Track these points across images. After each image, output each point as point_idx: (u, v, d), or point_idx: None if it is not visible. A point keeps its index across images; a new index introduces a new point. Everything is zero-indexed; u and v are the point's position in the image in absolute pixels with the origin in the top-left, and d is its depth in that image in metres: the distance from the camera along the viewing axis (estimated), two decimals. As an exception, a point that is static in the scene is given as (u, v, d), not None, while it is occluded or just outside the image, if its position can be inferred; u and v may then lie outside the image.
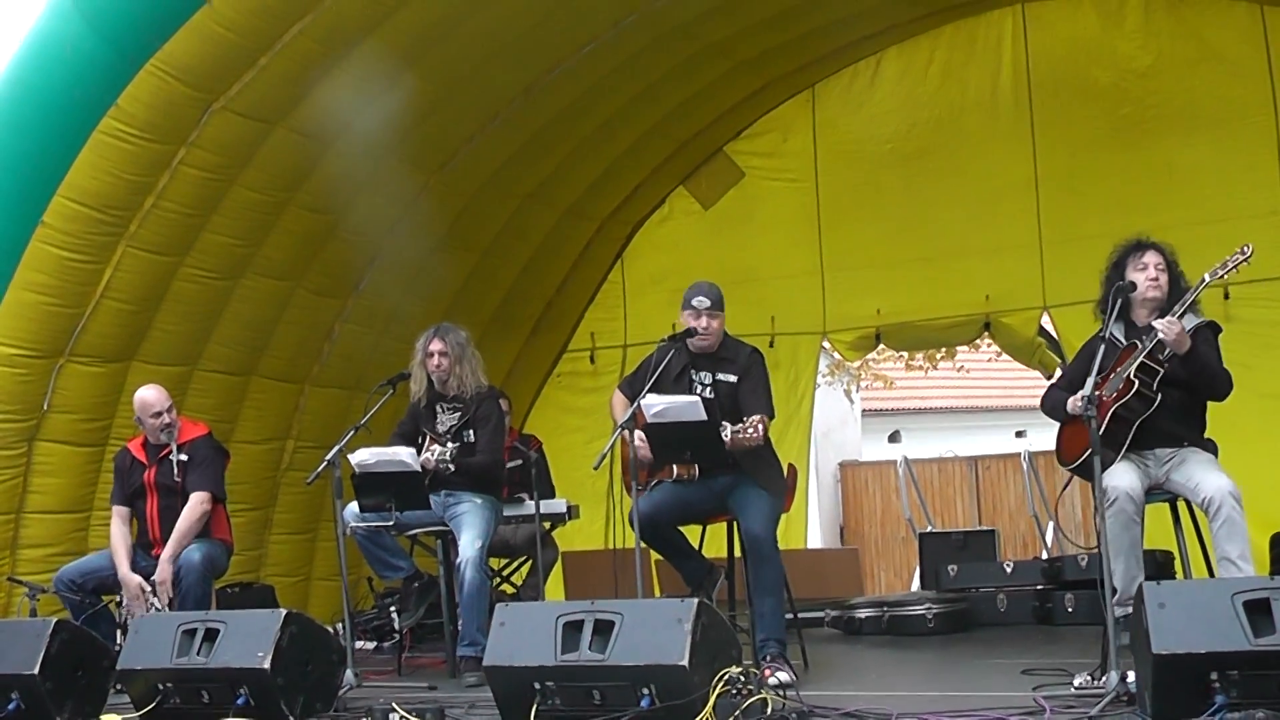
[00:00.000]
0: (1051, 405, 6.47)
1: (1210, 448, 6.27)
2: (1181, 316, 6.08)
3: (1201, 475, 6.06)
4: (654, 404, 6.53)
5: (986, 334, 10.79)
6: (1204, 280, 6.04)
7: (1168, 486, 6.21)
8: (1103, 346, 5.93)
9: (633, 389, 6.84)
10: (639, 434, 6.60)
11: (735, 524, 6.83)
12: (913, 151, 10.79)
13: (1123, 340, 6.26)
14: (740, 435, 6.48)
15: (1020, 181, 10.41)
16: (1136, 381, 6.06)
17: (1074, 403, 6.13)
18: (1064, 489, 7.21)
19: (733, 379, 6.82)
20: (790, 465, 7.09)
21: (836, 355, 11.87)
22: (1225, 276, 6.06)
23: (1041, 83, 10.42)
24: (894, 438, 10.90)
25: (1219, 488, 5.95)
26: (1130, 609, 5.68)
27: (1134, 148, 10.12)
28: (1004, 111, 10.54)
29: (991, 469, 11.68)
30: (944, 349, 14.55)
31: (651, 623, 5.33)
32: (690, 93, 10.37)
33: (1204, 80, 9.99)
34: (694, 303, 6.87)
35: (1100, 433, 5.88)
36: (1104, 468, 5.94)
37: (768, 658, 6.53)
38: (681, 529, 6.89)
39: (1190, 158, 9.96)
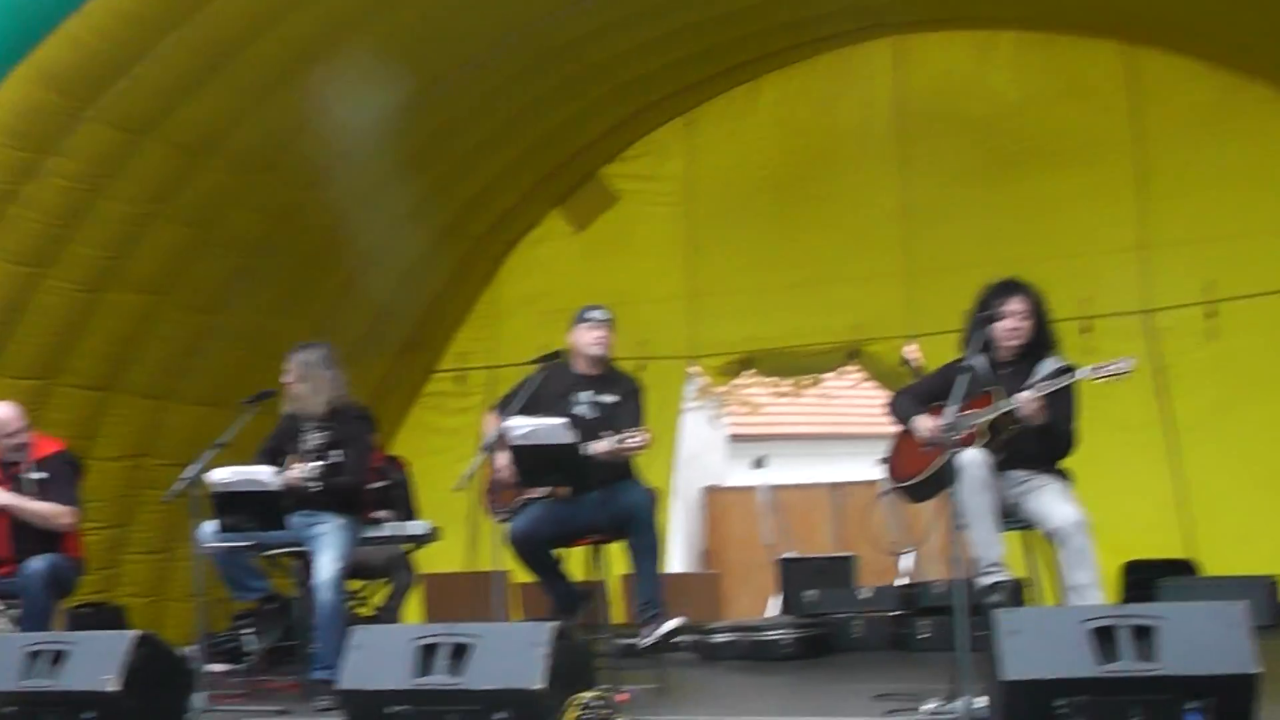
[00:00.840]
0: (902, 412, 6.54)
1: (1063, 476, 6.35)
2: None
3: (1051, 506, 6.14)
4: (520, 426, 6.53)
5: (853, 361, 10.91)
6: (1073, 373, 6.11)
7: (1019, 514, 6.27)
8: (963, 377, 6.01)
9: (506, 409, 6.84)
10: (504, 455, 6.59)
11: (599, 549, 6.87)
12: (787, 178, 10.90)
13: (985, 374, 6.32)
14: (625, 443, 6.54)
15: (890, 211, 10.57)
16: (989, 434, 6.16)
17: (932, 428, 6.21)
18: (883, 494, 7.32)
19: (614, 399, 6.91)
20: (652, 489, 7.10)
21: (704, 380, 11.78)
22: (1102, 376, 6.05)
23: (914, 114, 10.58)
24: (759, 463, 11.00)
25: (1067, 518, 6.04)
26: (991, 576, 5.97)
27: (1003, 180, 10.32)
28: (877, 141, 10.68)
29: (854, 495, 11.73)
30: (812, 376, 14.45)
31: (508, 646, 5.33)
32: (568, 114, 10.40)
33: (1070, 115, 10.24)
34: (591, 315, 7.01)
35: (932, 472, 6.12)
36: (919, 499, 6.37)
37: (651, 619, 6.69)
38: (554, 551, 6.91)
39: (1056, 191, 10.18)
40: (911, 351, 10.28)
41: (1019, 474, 6.25)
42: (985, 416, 6.17)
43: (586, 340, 7.01)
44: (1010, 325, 6.33)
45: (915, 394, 6.62)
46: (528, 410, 6.72)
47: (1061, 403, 6.22)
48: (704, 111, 11.25)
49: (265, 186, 9.07)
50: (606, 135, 11.02)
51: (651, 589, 6.81)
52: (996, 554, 6.08)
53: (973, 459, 6.00)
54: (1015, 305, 6.35)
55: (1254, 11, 8.78)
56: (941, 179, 10.45)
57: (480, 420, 10.15)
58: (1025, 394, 6.08)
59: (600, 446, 6.59)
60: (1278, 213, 9.68)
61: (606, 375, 7.01)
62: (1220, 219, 9.78)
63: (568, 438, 6.51)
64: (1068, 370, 6.26)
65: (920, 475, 6.38)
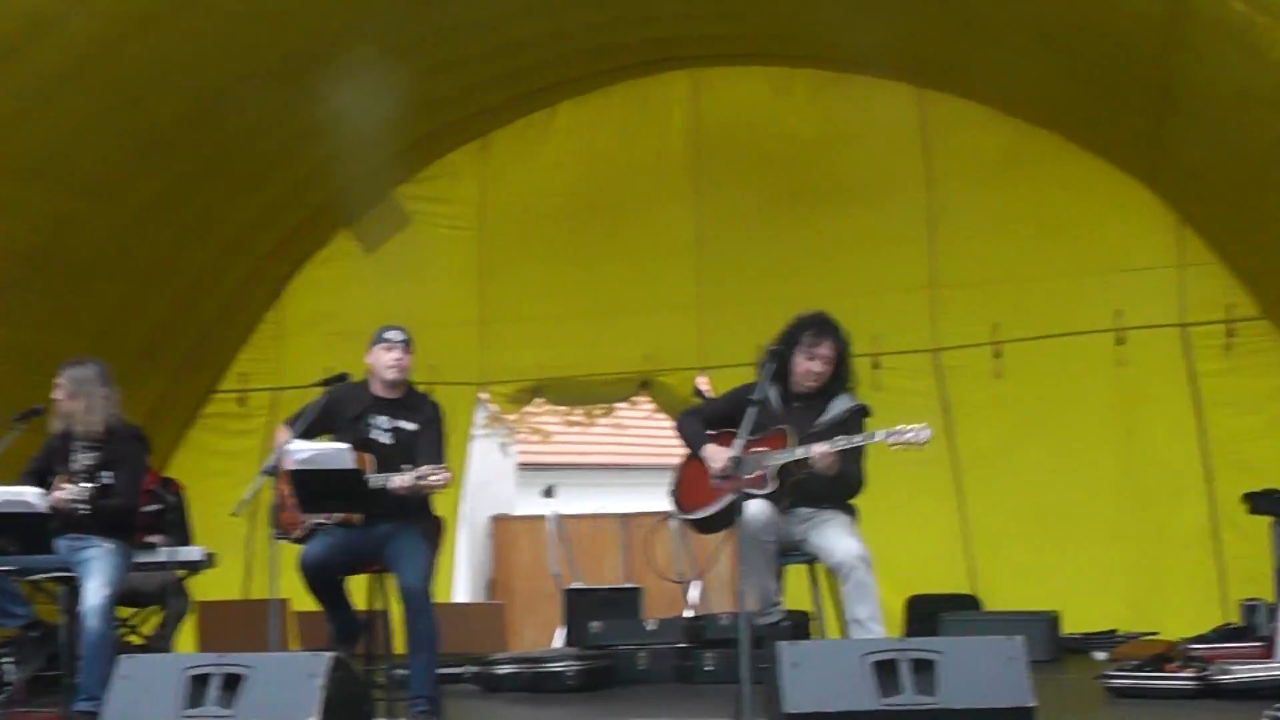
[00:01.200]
0: (691, 436, 6.56)
1: (849, 510, 6.45)
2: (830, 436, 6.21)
3: (834, 540, 6.23)
4: (300, 450, 6.41)
5: (644, 392, 10.95)
6: (872, 435, 6.14)
7: (805, 548, 6.36)
8: (753, 409, 6.04)
9: (294, 429, 6.71)
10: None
11: (382, 576, 6.78)
12: (582, 206, 10.89)
13: (777, 406, 6.40)
14: (424, 481, 6.41)
15: (684, 242, 10.65)
16: (778, 478, 6.24)
17: (721, 463, 6.20)
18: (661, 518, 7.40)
19: (413, 427, 6.78)
20: (438, 518, 7.04)
21: (494, 408, 11.87)
22: (895, 442, 6.08)
23: (711, 147, 10.67)
24: (548, 492, 10.98)
25: (849, 552, 6.15)
26: (771, 617, 6.18)
27: (797, 216, 10.44)
28: (673, 172, 10.76)
29: (643, 526, 11.75)
30: (603, 405, 14.46)
31: (283, 677, 5.24)
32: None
33: (863, 155, 10.38)
34: (388, 335, 6.86)
35: (720, 508, 6.21)
36: (706, 531, 6.46)
37: (418, 716, 6.50)
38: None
39: (849, 229, 10.33)
40: (704, 383, 10.49)
41: (805, 510, 6.36)
42: (775, 460, 6.23)
43: (384, 361, 6.84)
44: (816, 369, 6.41)
45: (704, 416, 6.65)
46: (321, 431, 6.61)
47: (851, 461, 6.31)
48: (499, 136, 11.19)
49: (36, 195, 8.73)
50: (401, 154, 10.86)
51: (424, 683, 6.61)
52: (774, 599, 6.28)
53: (756, 515, 6.06)
54: (825, 350, 6.42)
55: (1039, 64, 9.02)
56: (736, 213, 10.55)
57: (262, 443, 10.18)
58: (821, 448, 6.13)
59: (399, 482, 6.45)
60: (1060, 258, 9.97)
61: (405, 400, 6.87)
62: (1006, 262, 10.02)
63: (349, 463, 6.41)
64: (861, 411, 6.40)
65: (707, 511, 6.41)
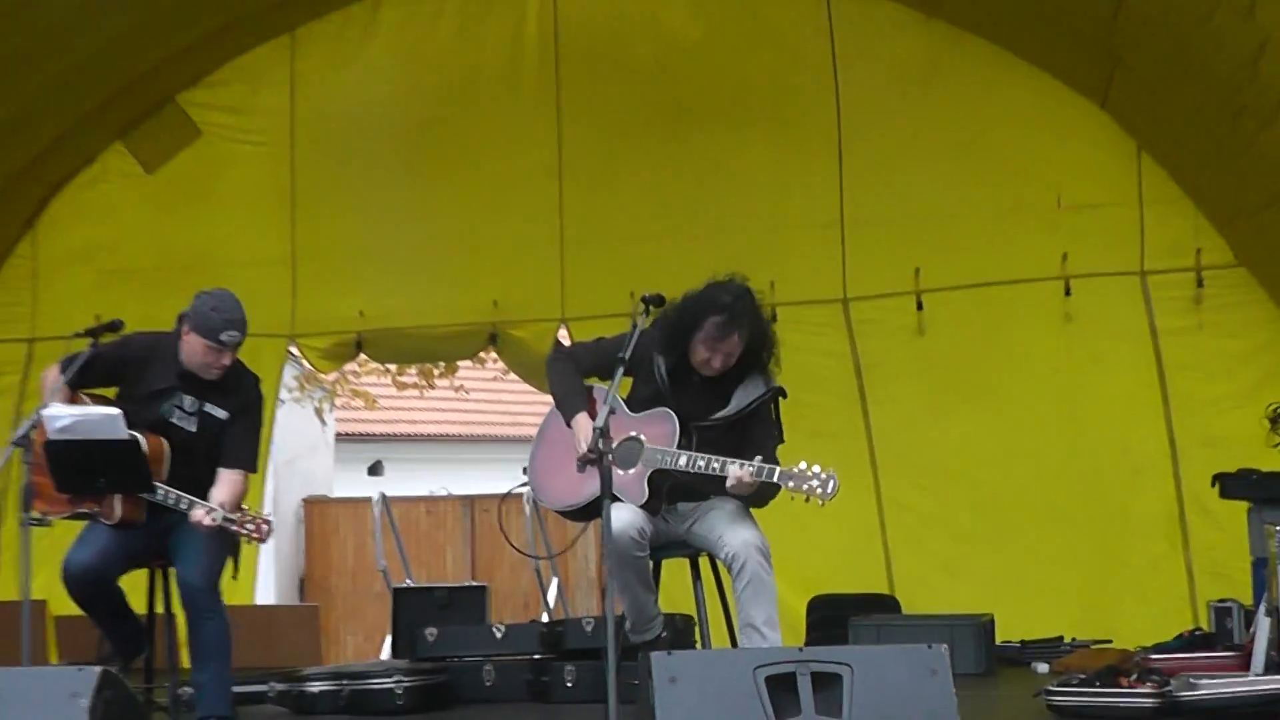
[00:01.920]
0: (563, 389, 6.55)
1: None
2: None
3: (726, 527, 6.28)
4: (59, 415, 6.34)
5: (492, 348, 10.90)
6: (775, 472, 6.09)
7: (689, 539, 6.45)
8: (619, 370, 6.11)
9: (67, 373, 6.63)
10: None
11: (168, 571, 6.74)
12: (415, 123, 10.83)
13: (665, 379, 6.43)
14: (235, 527, 6.43)
15: (543, 168, 10.61)
16: (648, 492, 6.28)
17: (589, 442, 6.13)
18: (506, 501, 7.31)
19: (223, 415, 6.80)
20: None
21: (307, 365, 11.77)
22: (795, 490, 6.08)
23: (572, 53, 10.64)
24: (375, 469, 10.91)
25: (745, 542, 6.19)
26: (647, 635, 6.34)
27: (678, 137, 10.46)
28: (527, 83, 10.72)
29: (491, 512, 11.80)
30: (443, 364, 14.63)
31: (41, 696, 5.21)
32: (135, 22, 9.97)
33: (761, 64, 10.42)
34: (223, 338, 6.74)
35: (583, 503, 6.27)
36: (570, 518, 6.42)
37: None
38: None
39: (743, 153, 10.39)
40: (566, 339, 10.43)
41: (685, 507, 6.47)
42: (662, 459, 6.25)
43: (203, 360, 6.77)
44: (715, 365, 6.42)
45: (583, 365, 6.64)
46: (104, 384, 6.62)
47: (763, 424, 6.41)
48: (310, 33, 11.05)
49: None
50: (186, 53, 10.76)
51: (215, 702, 6.61)
52: (650, 611, 6.43)
53: (626, 529, 6.11)
54: (728, 346, 6.41)
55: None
56: (605, 133, 10.58)
57: (15, 406, 10.14)
58: (743, 472, 6.11)
59: (200, 519, 6.42)
60: (996, 191, 10.09)
61: (220, 380, 6.83)
62: (930, 195, 10.12)
63: (121, 432, 6.36)
64: (773, 396, 6.43)
65: (567, 503, 6.49)
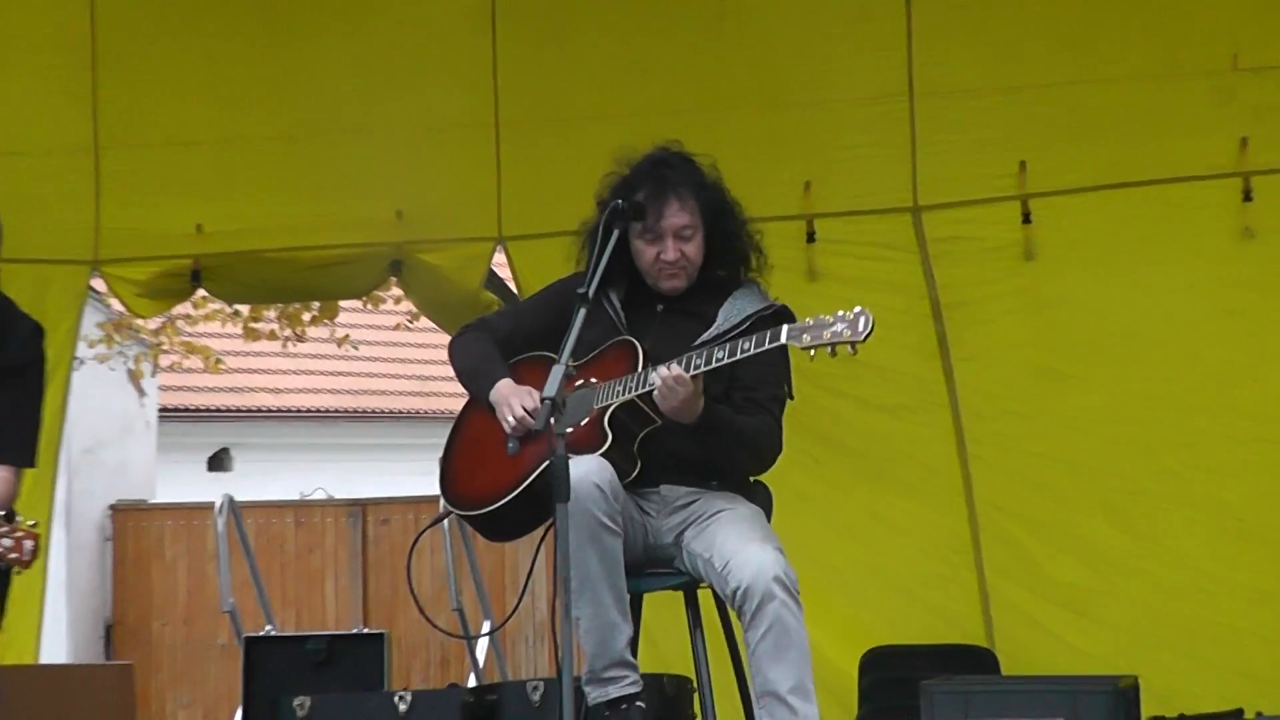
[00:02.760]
0: (474, 367, 6.66)
1: (758, 496, 6.56)
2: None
3: (736, 548, 6.19)
4: None
5: (394, 281, 10.37)
6: (765, 338, 6.18)
7: (681, 561, 6.39)
8: (583, 312, 6.01)
9: None
10: None
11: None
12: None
13: (620, 314, 6.57)
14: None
15: (466, 16, 9.95)
16: (610, 434, 6.34)
17: (522, 409, 6.35)
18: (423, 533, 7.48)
19: None
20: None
21: (118, 306, 11.44)
22: (814, 343, 6.15)
23: None
24: (219, 462, 10.63)
25: (760, 569, 6.09)
26: (610, 690, 6.25)
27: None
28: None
29: (391, 523, 11.47)
30: (318, 306, 14.49)
31: None
32: None
33: None
34: None
35: (522, 489, 6.37)
36: (501, 535, 6.70)
37: None
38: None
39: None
40: (504, 269, 10.37)
41: (674, 492, 6.44)
42: (611, 400, 6.38)
43: None
44: (669, 256, 6.50)
45: (500, 332, 6.76)
46: None
47: (755, 362, 6.37)
48: None
49: None
50: None
51: None
52: (621, 646, 6.31)
53: (587, 476, 6.09)
54: (675, 218, 6.49)
55: None
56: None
57: None
58: (672, 372, 6.17)
59: None
60: (1135, 46, 9.34)
61: None
62: (1040, 54, 9.43)
63: None
64: (778, 316, 6.46)
65: (502, 497, 6.49)
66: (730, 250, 6.60)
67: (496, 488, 6.50)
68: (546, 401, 5.70)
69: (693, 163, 6.61)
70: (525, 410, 6.32)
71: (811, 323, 6.09)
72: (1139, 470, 9.32)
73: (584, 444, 6.25)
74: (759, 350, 6.17)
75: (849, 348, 6.06)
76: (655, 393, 6.20)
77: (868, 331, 6.05)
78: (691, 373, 6.15)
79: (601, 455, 6.27)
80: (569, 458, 5.74)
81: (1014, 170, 9.36)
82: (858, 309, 6.06)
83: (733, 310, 6.51)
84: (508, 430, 6.43)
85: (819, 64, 9.57)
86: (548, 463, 5.88)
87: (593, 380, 6.45)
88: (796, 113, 9.46)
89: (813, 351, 6.11)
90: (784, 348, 6.31)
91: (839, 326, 6.04)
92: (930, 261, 9.49)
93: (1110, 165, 9.27)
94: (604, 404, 6.36)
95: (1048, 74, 9.36)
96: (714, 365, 6.17)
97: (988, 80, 9.43)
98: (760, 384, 6.44)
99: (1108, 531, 9.36)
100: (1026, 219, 9.33)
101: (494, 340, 6.73)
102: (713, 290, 6.56)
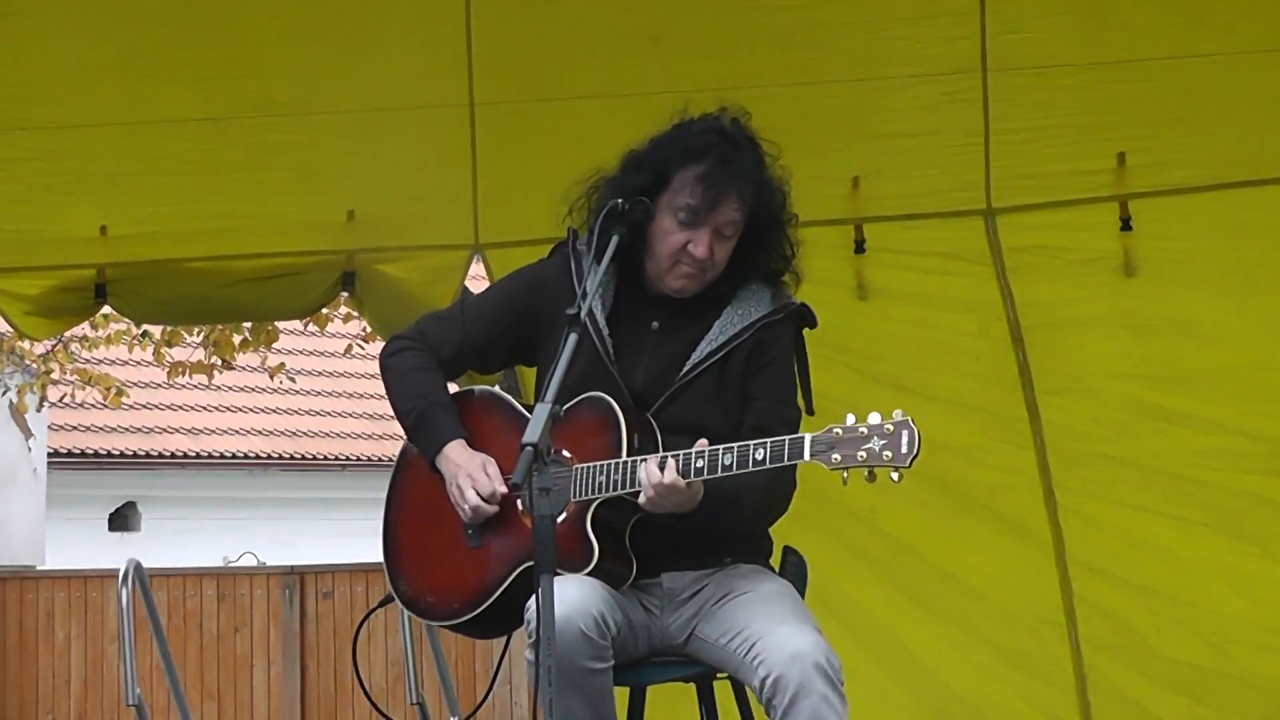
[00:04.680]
0: (411, 388, 6.17)
1: (787, 567, 6.26)
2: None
3: (764, 628, 5.85)
4: None
5: (345, 296, 9.66)
6: (786, 448, 5.62)
7: (692, 649, 6.05)
8: (573, 339, 5.66)
9: None
10: None
11: None
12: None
13: (606, 339, 6.11)
14: None
15: None
16: (596, 544, 5.87)
17: (475, 491, 5.89)
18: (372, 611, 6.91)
19: None
20: None
21: (3, 328, 11.03)
22: (845, 464, 5.58)
23: None
24: (123, 519, 9.87)
25: (797, 655, 5.72)
26: None
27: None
28: None
29: (335, 594, 10.96)
30: (249, 327, 14.22)
31: None
32: None
33: None
34: None
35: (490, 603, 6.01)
36: (476, 636, 6.40)
37: None
38: None
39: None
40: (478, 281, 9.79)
41: (679, 581, 6.06)
42: (592, 491, 5.90)
43: None
44: (698, 253, 6.02)
45: (444, 350, 6.29)
46: None
47: (766, 375, 6.14)
48: None
49: None
50: None
51: None
52: None
53: (569, 621, 5.64)
54: (729, 211, 6.02)
55: None
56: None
57: None
58: (666, 480, 5.72)
59: None
60: (1249, 13, 8.71)
61: None
62: (1138, 23, 8.69)
63: None
64: (797, 317, 6.24)
65: (468, 610, 6.11)
66: (756, 266, 6.08)
67: (461, 595, 6.03)
68: (524, 489, 5.28)
69: (759, 150, 6.05)
70: (481, 497, 5.79)
71: (841, 433, 5.55)
72: (1268, 528, 8.75)
73: (565, 555, 5.70)
74: (775, 465, 5.61)
75: (891, 472, 5.52)
76: (643, 498, 5.70)
77: (913, 454, 5.50)
78: (689, 480, 5.66)
79: (589, 574, 5.79)
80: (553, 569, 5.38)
81: (1110, 165, 8.80)
82: (898, 416, 5.53)
83: (732, 318, 6.03)
84: (463, 518, 5.91)
85: (870, 32, 8.86)
86: (523, 567, 5.71)
87: (565, 454, 5.85)
88: (842, 92, 8.82)
89: (845, 474, 5.57)
90: (799, 351, 6.10)
91: (875, 444, 5.52)
92: (1007, 275, 8.92)
93: (1228, 159, 8.67)
94: (583, 499, 5.81)
95: (1153, 46, 8.72)
96: (718, 475, 5.66)
97: (1078, 53, 8.83)
98: (770, 413, 5.91)
99: (1232, 601, 8.87)
100: (1126, 225, 8.76)
101: (438, 362, 6.16)
102: (718, 298, 6.09)
